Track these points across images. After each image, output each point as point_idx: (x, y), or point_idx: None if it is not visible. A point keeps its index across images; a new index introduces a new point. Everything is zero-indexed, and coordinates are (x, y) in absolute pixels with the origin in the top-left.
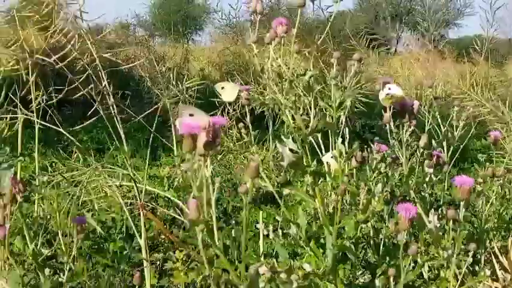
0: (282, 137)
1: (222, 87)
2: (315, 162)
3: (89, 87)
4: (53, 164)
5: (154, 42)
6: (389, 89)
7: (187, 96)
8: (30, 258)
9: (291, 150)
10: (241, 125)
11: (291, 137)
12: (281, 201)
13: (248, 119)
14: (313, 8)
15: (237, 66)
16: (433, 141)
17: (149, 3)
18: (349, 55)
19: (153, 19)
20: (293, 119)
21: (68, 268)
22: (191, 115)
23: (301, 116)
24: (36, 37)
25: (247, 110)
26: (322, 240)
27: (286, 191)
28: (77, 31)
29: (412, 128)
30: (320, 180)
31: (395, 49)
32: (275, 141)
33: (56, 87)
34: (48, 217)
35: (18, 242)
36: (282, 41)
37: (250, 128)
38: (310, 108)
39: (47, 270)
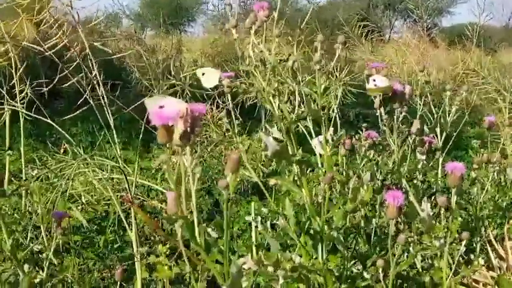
0: (266, 125)
1: (203, 73)
2: (300, 151)
3: (79, 75)
4: (42, 157)
5: (145, 34)
6: (374, 80)
7: (183, 85)
8: (8, 254)
9: (275, 139)
10: (223, 113)
11: (275, 126)
12: (267, 192)
13: (231, 107)
14: None
15: (228, 57)
16: (426, 127)
17: None
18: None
19: (144, 11)
20: (278, 107)
21: (47, 264)
22: (161, 107)
23: (285, 103)
24: (26, 27)
25: (229, 98)
26: (312, 231)
27: (272, 181)
28: (67, 20)
29: (404, 113)
30: (308, 170)
31: (389, 37)
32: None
33: (47, 80)
34: (37, 211)
35: None
36: (265, 25)
37: (234, 117)
38: (295, 95)
39: (26, 267)
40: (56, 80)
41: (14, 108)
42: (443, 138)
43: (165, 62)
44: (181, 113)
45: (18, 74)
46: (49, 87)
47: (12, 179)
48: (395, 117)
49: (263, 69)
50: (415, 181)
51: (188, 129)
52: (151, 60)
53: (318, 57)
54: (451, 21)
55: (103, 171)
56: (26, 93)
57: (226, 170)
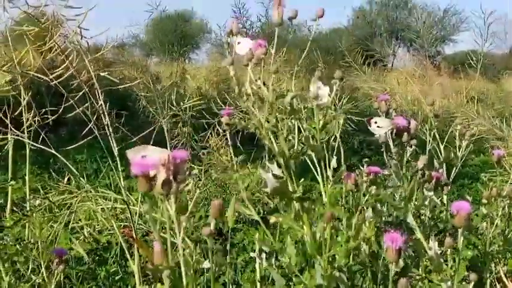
0: (266, 162)
1: (238, 42)
2: (300, 188)
3: (85, 105)
4: (45, 186)
5: (151, 62)
6: (375, 122)
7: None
8: None
9: (275, 175)
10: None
11: (275, 162)
12: (267, 228)
13: (228, 138)
14: (290, 25)
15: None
16: (435, 162)
17: (146, 23)
18: (345, 72)
19: (149, 38)
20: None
21: None
22: (143, 156)
23: (284, 139)
24: (33, 55)
25: (226, 130)
26: (315, 267)
27: (273, 219)
28: (75, 48)
29: (413, 148)
30: (307, 206)
31: (392, 65)
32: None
33: (52, 108)
34: (37, 244)
35: None
36: (263, 62)
37: (236, 148)
38: (294, 131)
39: None
40: (61, 109)
41: (20, 138)
42: (453, 172)
43: (169, 89)
44: (163, 161)
45: (25, 103)
46: (55, 116)
47: (15, 208)
48: (402, 152)
49: (261, 105)
50: (422, 217)
51: (170, 177)
52: (156, 88)
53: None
54: (454, 49)
55: (106, 200)
56: (33, 122)
57: (210, 216)
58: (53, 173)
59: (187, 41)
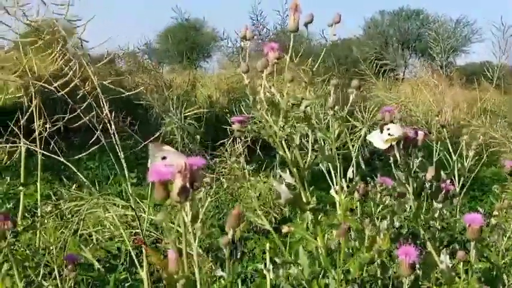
0: (279, 171)
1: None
2: (314, 198)
3: (91, 114)
4: (57, 192)
5: (162, 70)
6: (388, 129)
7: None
8: None
9: (288, 185)
10: (233, 159)
11: (288, 171)
12: (279, 239)
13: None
14: (306, 34)
15: (243, 93)
16: (442, 173)
17: (158, 32)
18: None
19: (162, 47)
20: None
21: None
22: (164, 158)
23: (297, 147)
24: (41, 64)
25: (242, 139)
26: (326, 281)
27: (285, 229)
28: (79, 58)
29: (420, 158)
30: (321, 217)
31: (403, 75)
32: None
33: (63, 115)
34: (49, 250)
35: (7, 281)
36: (275, 68)
37: (243, 158)
38: (308, 139)
39: None
40: (69, 117)
41: (28, 145)
42: (461, 183)
43: (180, 97)
44: (180, 168)
45: (36, 110)
46: (58, 124)
47: (26, 214)
48: (411, 162)
49: (275, 112)
50: (432, 229)
51: (187, 184)
52: (169, 95)
53: (331, 102)
54: (465, 60)
55: (115, 205)
56: (44, 129)
57: (227, 226)
58: (64, 180)
59: (198, 50)
